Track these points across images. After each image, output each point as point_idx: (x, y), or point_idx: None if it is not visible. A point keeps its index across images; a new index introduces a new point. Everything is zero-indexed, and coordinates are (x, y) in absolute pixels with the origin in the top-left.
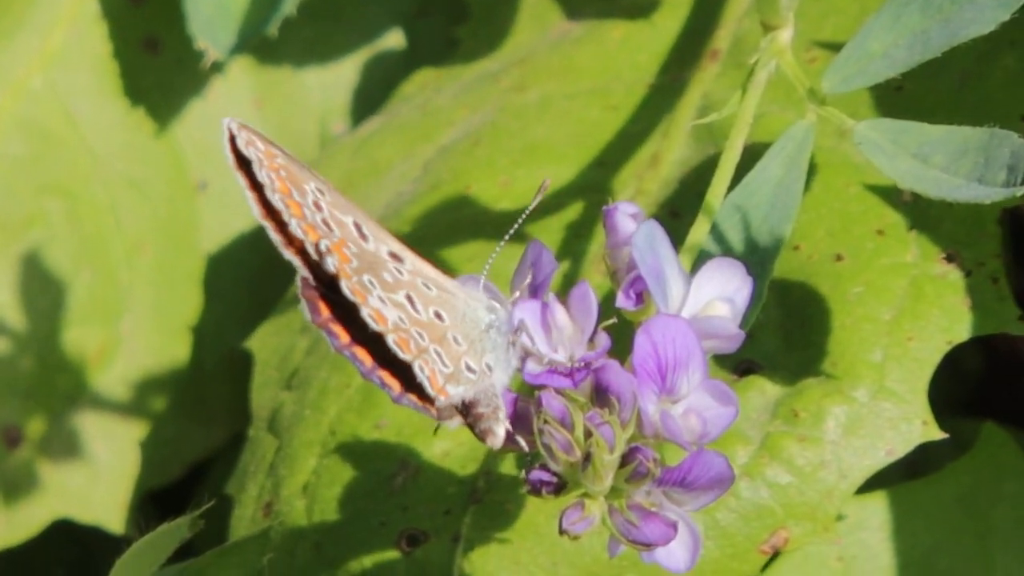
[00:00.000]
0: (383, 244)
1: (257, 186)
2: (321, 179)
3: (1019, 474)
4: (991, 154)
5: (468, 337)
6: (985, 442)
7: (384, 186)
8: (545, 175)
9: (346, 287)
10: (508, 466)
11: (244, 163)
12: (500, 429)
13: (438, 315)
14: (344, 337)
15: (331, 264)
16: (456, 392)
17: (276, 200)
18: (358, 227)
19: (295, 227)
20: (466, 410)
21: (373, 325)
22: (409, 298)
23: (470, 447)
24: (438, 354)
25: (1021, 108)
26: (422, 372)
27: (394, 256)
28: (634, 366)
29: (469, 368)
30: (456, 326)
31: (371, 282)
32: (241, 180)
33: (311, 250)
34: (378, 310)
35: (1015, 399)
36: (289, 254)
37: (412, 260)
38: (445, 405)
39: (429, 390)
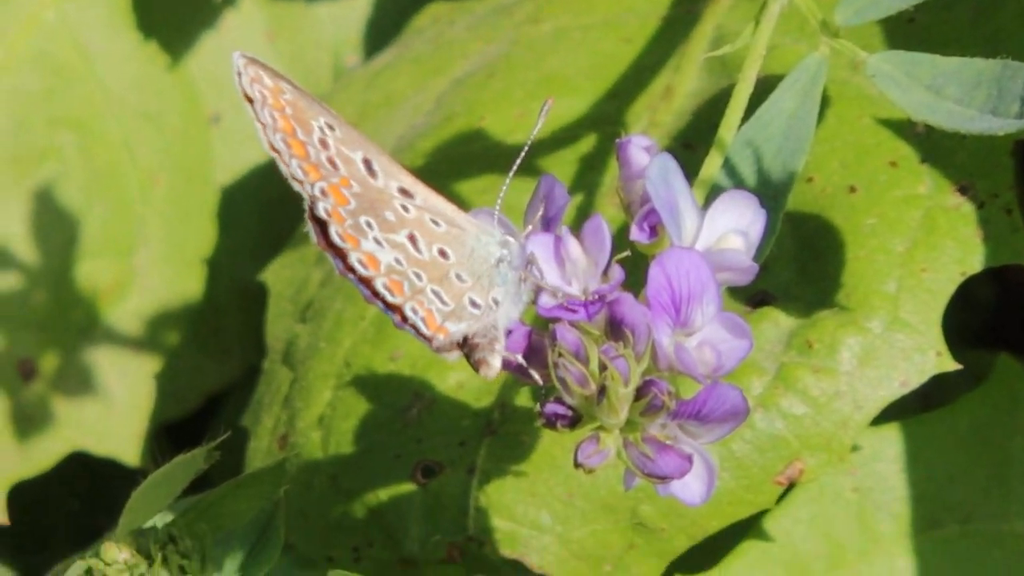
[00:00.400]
0: (393, 179)
1: (261, 124)
2: (332, 113)
3: None
4: (1004, 86)
5: (474, 273)
6: (1000, 373)
7: (397, 118)
8: (560, 107)
9: (336, 233)
10: (523, 398)
11: (251, 100)
12: (495, 360)
13: (442, 253)
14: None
15: (322, 209)
16: (457, 329)
17: (277, 140)
18: (367, 163)
19: (295, 167)
20: (464, 342)
21: (362, 271)
22: (411, 237)
23: (484, 380)
24: (436, 294)
25: None
26: (415, 314)
27: (404, 192)
28: (648, 299)
29: (473, 303)
30: (462, 263)
31: (368, 223)
32: (251, 113)
33: (307, 191)
34: (371, 254)
35: None
36: (297, 185)
37: (424, 195)
38: (444, 342)
39: (424, 330)
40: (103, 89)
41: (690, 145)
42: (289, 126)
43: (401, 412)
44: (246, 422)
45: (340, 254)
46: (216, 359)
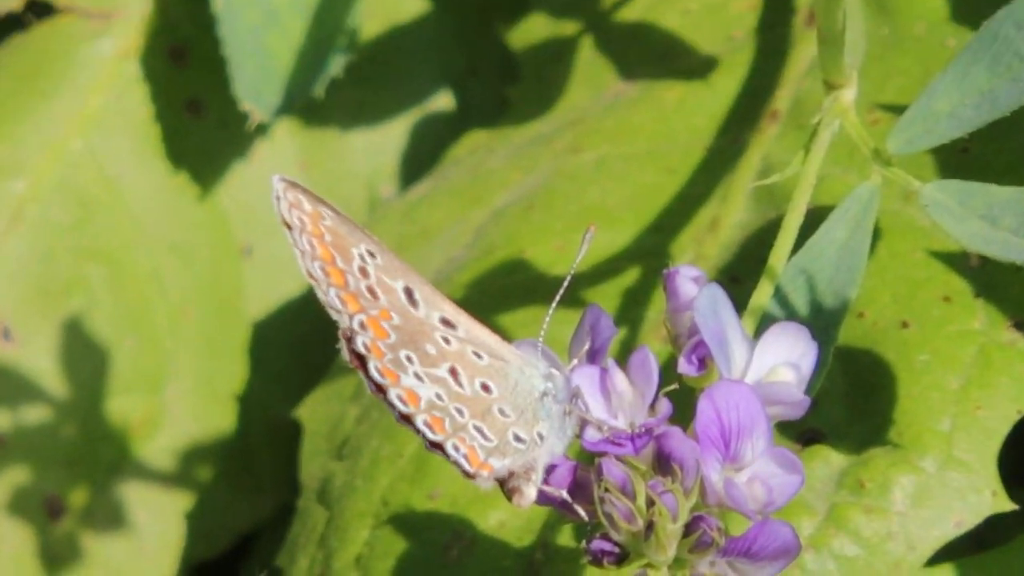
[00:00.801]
0: (435, 310)
1: (299, 251)
2: (373, 240)
3: None
4: None
5: (518, 407)
6: None
7: (435, 252)
8: (602, 239)
9: (375, 368)
10: (566, 537)
11: (289, 226)
12: (530, 490)
13: (485, 387)
14: None
15: (360, 344)
16: (501, 465)
17: (315, 268)
18: (408, 292)
19: (333, 297)
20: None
21: (401, 408)
22: (453, 371)
23: (527, 518)
24: (478, 429)
25: None
26: (456, 451)
27: (446, 323)
28: (697, 433)
29: (518, 439)
30: (505, 397)
31: (408, 358)
32: (289, 239)
33: (346, 323)
34: (411, 389)
35: None
36: (335, 315)
37: (466, 325)
38: (488, 479)
39: (467, 467)
40: (131, 220)
41: (737, 279)
42: (328, 254)
43: (441, 552)
44: (281, 562)
45: (380, 390)
46: (249, 497)
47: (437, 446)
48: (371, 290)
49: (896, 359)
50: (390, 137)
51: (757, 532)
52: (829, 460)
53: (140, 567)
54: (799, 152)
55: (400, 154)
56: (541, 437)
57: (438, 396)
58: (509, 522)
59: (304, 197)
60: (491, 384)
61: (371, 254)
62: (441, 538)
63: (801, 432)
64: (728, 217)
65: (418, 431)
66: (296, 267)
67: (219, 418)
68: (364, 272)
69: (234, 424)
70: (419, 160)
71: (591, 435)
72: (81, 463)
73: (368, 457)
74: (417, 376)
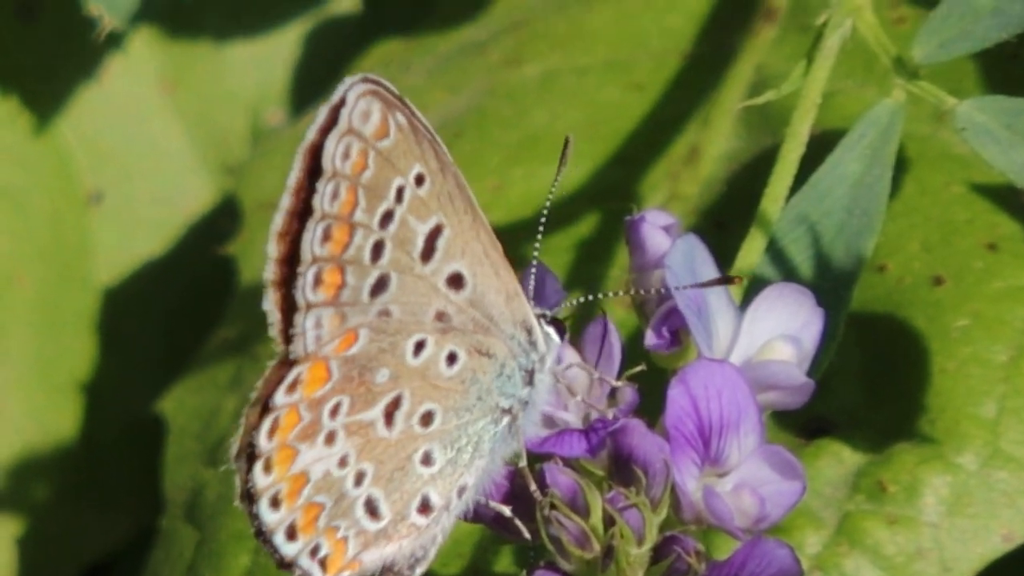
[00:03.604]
0: (450, 262)
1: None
2: (441, 154)
3: None
4: None
5: (455, 441)
6: None
7: None
8: (548, 177)
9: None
10: (504, 562)
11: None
12: None
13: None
14: None
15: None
16: (378, 555)
17: (315, 234)
18: (431, 238)
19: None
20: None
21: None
22: (395, 402)
23: (453, 539)
24: (370, 505)
25: None
26: (312, 558)
27: (454, 281)
28: (667, 428)
29: (425, 507)
30: (446, 428)
31: (333, 410)
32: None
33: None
34: (301, 472)
35: None
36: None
37: (480, 279)
38: None
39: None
40: None
41: (722, 225)
42: (351, 200)
43: None
44: None
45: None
46: (98, 516)
47: (287, 565)
48: (376, 249)
49: (927, 325)
50: (279, 48)
51: (746, 555)
52: (841, 458)
53: None
54: (801, 61)
55: (292, 70)
56: (459, 494)
57: (340, 462)
58: None
59: (378, 106)
60: (436, 411)
61: (419, 180)
62: None
63: (805, 423)
64: (712, 146)
65: (269, 545)
66: (158, 219)
67: (60, 414)
68: (387, 219)
69: (80, 421)
70: (316, 77)
71: (533, 431)
72: None
73: None
74: (327, 439)
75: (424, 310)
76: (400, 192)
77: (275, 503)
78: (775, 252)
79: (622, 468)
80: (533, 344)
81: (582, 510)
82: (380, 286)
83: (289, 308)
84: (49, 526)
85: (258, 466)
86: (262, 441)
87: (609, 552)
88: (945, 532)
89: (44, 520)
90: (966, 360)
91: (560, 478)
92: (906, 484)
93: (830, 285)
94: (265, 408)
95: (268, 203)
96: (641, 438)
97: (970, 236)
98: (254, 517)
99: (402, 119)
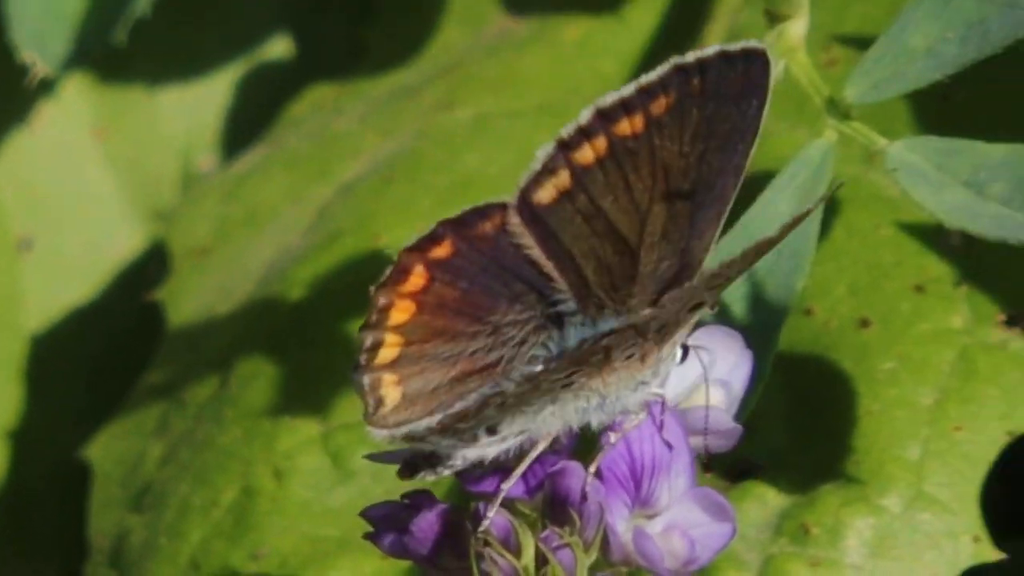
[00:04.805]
0: None
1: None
2: None
3: None
4: None
5: None
6: None
7: (266, 240)
8: None
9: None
10: None
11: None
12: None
13: None
14: None
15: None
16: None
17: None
18: None
19: None
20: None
21: None
22: None
23: None
24: None
25: None
26: None
27: None
28: (601, 470)
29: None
30: None
31: None
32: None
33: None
34: None
35: None
36: None
37: None
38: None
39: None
40: None
41: None
42: None
43: None
44: None
45: None
46: (25, 564)
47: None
48: None
49: (853, 368)
50: (211, 94)
51: None
52: (765, 500)
53: None
54: None
55: (224, 116)
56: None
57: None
58: None
59: None
60: None
61: None
62: None
63: (730, 465)
64: None
65: None
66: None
67: None
68: None
69: (6, 469)
70: (248, 123)
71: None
72: None
73: (175, 508)
74: None
75: None
76: None
77: None
78: None
79: (556, 508)
80: None
81: (514, 549)
82: None
83: None
84: None
85: None
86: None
87: None
88: (868, 574)
89: None
90: (892, 402)
91: (495, 517)
92: (829, 526)
93: (759, 327)
94: None
95: (198, 248)
96: (577, 480)
97: (897, 279)
98: None
99: None
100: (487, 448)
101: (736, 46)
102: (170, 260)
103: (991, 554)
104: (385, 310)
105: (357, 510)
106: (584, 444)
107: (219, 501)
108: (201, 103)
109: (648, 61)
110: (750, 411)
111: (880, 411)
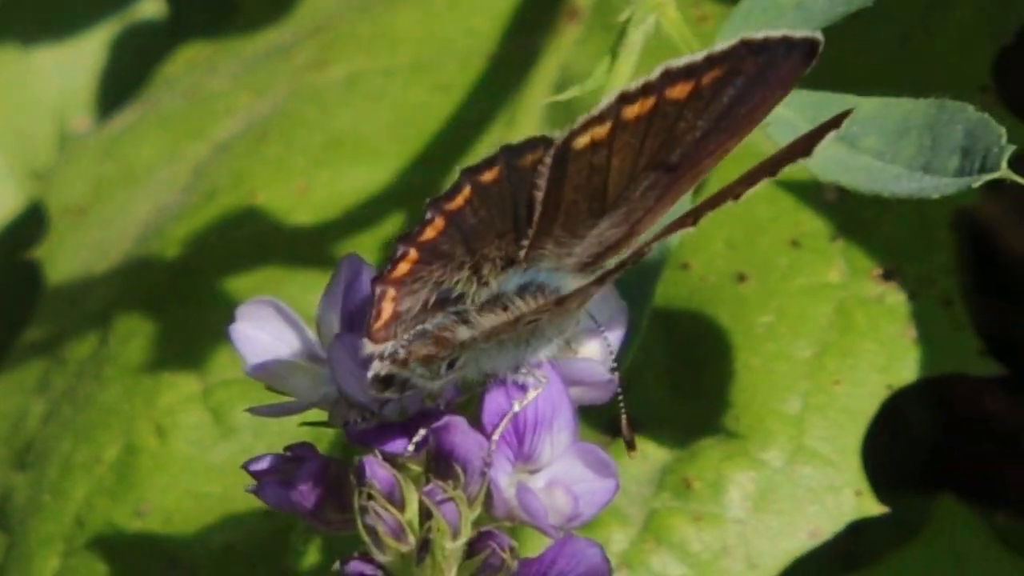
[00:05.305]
0: None
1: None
2: None
3: (984, 562)
4: (940, 133)
5: None
6: (940, 521)
7: (142, 197)
8: (356, 177)
9: None
10: (315, 555)
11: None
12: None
13: None
14: None
15: None
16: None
17: None
18: None
19: None
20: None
21: None
22: None
23: (262, 538)
24: None
25: (978, 74)
26: None
27: None
28: (484, 424)
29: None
30: None
31: None
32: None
33: None
34: None
35: (977, 463)
36: None
37: None
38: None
39: None
40: None
41: None
42: None
43: None
44: None
45: None
46: None
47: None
48: None
49: (732, 323)
50: (84, 54)
51: (556, 553)
52: (647, 455)
53: None
54: (604, 58)
55: (97, 75)
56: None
57: None
58: (238, 544)
59: None
60: None
61: None
62: (153, 566)
63: (611, 420)
64: None
65: None
66: None
67: None
68: None
69: None
70: (121, 82)
71: (353, 423)
72: None
73: (58, 465)
74: None
75: None
76: None
77: None
78: None
79: (441, 463)
80: None
81: (398, 503)
82: None
83: None
84: None
85: None
86: None
87: (424, 545)
88: (751, 528)
89: None
90: (770, 356)
91: (378, 471)
92: (711, 481)
93: (634, 280)
94: None
95: (75, 207)
96: (463, 435)
97: (774, 233)
98: None
99: None
100: (443, 380)
101: (799, 34)
102: (47, 219)
103: (874, 507)
104: (424, 225)
105: (239, 466)
106: (468, 399)
107: (102, 458)
108: (75, 63)
109: (519, 16)
110: (626, 365)
111: (759, 365)
